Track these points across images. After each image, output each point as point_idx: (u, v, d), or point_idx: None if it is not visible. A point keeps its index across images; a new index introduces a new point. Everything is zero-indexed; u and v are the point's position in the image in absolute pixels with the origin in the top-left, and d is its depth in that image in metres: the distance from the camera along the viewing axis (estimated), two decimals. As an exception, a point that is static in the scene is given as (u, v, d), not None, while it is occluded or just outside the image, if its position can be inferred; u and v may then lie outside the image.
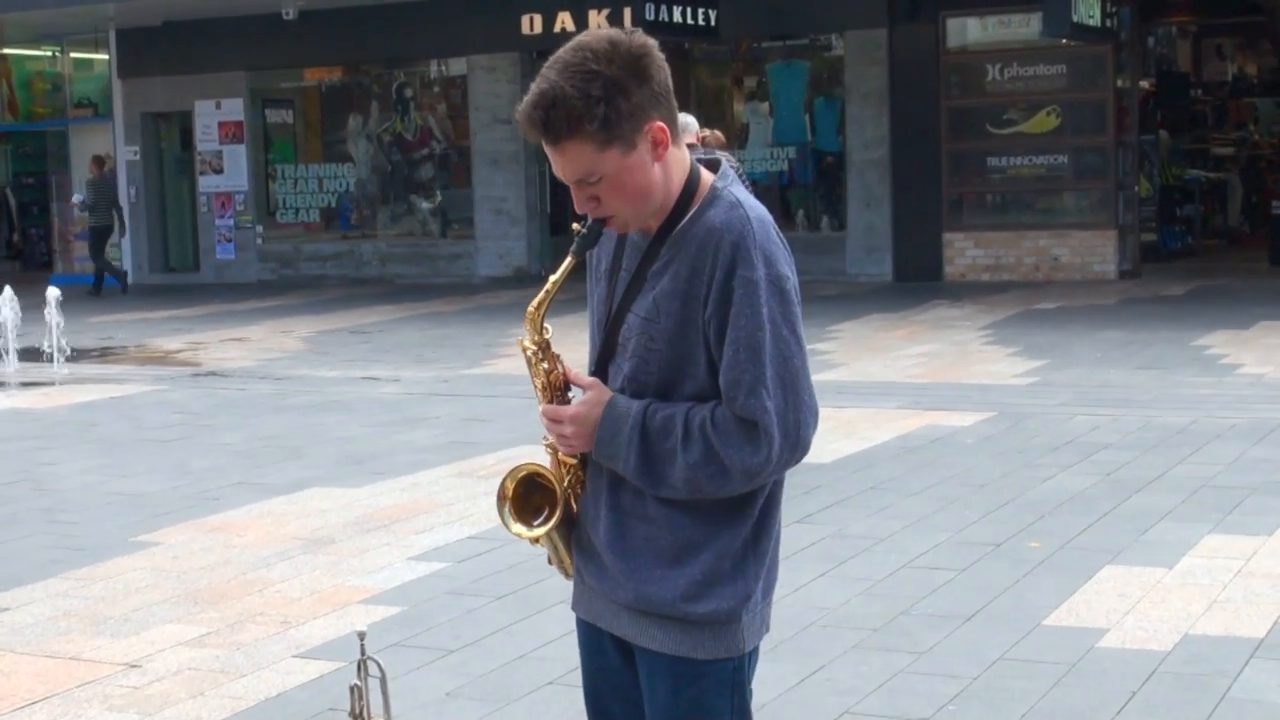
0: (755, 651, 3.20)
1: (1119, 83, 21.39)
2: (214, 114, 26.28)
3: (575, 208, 3.06)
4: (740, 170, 9.42)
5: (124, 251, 27.08)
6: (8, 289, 15.75)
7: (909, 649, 6.15)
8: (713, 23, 21.34)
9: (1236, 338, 14.69)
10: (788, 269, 3.05)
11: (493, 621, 6.69)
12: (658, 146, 3.01)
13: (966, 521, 8.17)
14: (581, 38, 2.98)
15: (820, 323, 16.65)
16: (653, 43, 3.00)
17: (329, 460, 10.44)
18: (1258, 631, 6.24)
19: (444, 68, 25.71)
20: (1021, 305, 18.33)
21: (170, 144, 27.37)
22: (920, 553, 7.59)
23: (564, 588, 3.38)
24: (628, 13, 19.16)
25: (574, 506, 3.23)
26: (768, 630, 3.23)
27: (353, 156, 26.32)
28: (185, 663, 6.26)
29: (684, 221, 3.06)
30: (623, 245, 3.17)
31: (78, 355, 16.17)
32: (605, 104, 2.92)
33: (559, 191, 23.91)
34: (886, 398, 12.11)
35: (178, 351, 17.02)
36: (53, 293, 15.39)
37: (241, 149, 26.26)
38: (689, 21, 20.88)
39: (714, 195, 3.08)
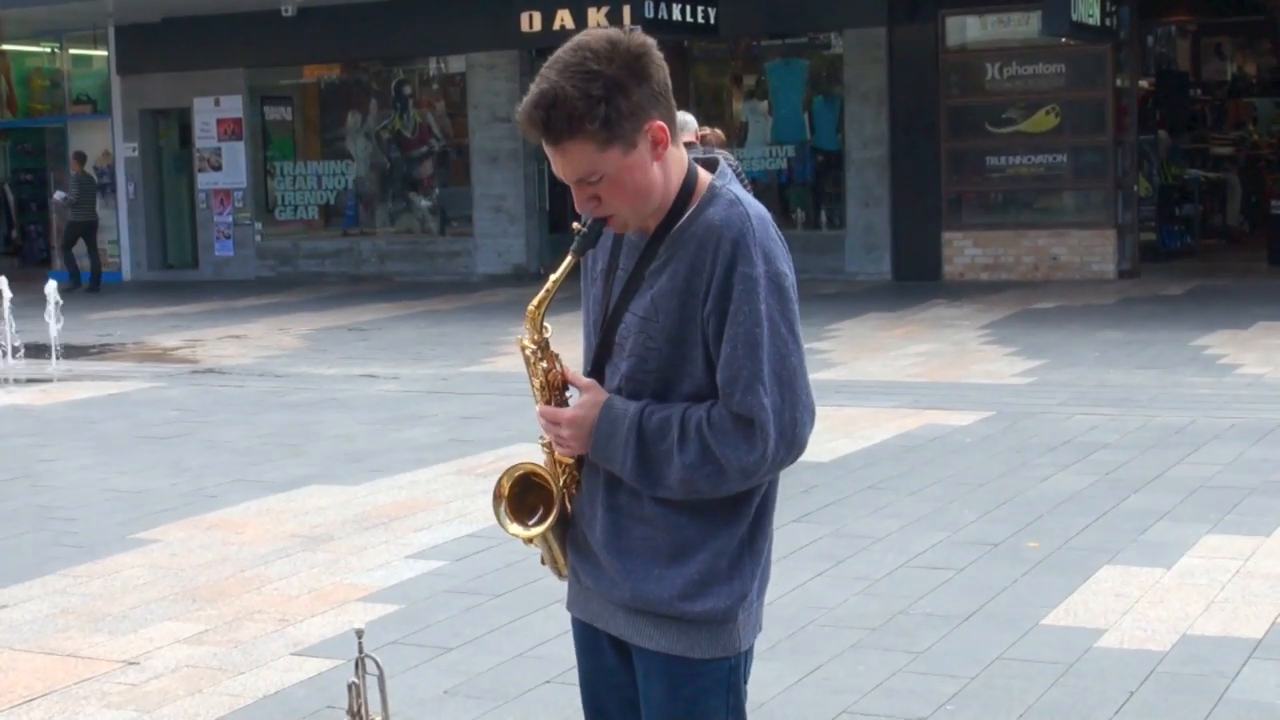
0: (750, 651, 3.20)
1: (1118, 82, 21.39)
2: (213, 111, 26.28)
3: (575, 207, 3.06)
4: (740, 169, 9.43)
5: (122, 248, 27.09)
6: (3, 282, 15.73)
7: (907, 648, 6.15)
8: (712, 21, 21.34)
9: (1235, 338, 14.70)
10: (786, 267, 3.05)
11: (491, 620, 6.69)
12: (657, 145, 3.01)
13: (965, 521, 8.18)
14: (580, 37, 2.98)
15: (819, 322, 16.65)
16: (651, 42, 3.00)
17: (327, 458, 10.44)
18: (1256, 632, 6.24)
19: (443, 65, 25.71)
20: (1020, 304, 18.33)
21: (169, 141, 27.36)
22: (918, 552, 7.59)
23: (562, 587, 3.38)
24: (627, 10, 19.16)
25: (569, 506, 3.23)
26: (760, 630, 3.24)
27: (351, 154, 26.32)
28: (183, 660, 6.26)
29: (682, 220, 3.06)
30: (619, 245, 3.17)
31: (75, 352, 16.17)
32: (606, 104, 2.92)
33: (558, 189, 23.91)
34: (885, 397, 12.11)
35: (176, 348, 17.01)
36: (51, 288, 15.39)
37: (240, 146, 26.25)
38: (688, 19, 20.87)
39: (713, 193, 3.08)
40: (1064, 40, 20.26)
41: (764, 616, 3.26)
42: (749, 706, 3.27)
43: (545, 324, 3.18)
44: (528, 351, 3.18)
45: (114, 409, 12.87)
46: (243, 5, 24.58)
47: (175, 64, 26.02)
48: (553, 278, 3.13)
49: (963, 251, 21.82)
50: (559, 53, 2.97)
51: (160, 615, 6.91)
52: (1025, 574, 7.16)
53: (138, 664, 6.24)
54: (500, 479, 3.19)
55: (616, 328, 3.12)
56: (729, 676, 3.14)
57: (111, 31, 26.70)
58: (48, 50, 28.72)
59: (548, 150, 3.00)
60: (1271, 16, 26.84)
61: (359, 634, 3.79)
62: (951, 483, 9.09)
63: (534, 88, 2.95)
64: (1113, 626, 6.35)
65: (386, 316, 19.62)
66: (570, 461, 3.20)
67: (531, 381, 3.19)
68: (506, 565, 7.43)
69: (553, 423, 3.14)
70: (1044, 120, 21.57)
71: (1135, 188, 21.96)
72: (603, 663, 3.27)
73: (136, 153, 26.94)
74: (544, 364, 3.17)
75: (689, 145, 8.82)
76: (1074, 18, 18.79)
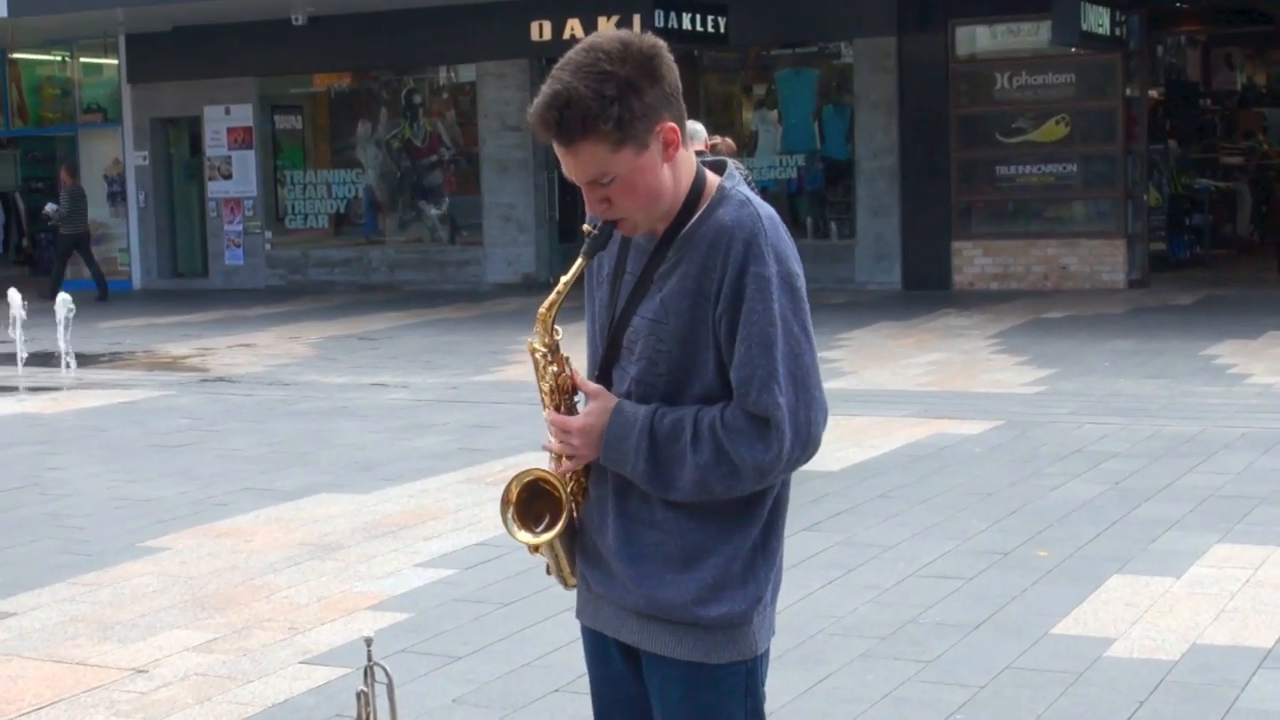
0: (766, 654, 3.19)
1: (1128, 92, 21.37)
2: (223, 119, 26.30)
3: (586, 209, 3.06)
4: (749, 178, 9.42)
5: (132, 256, 27.11)
6: (14, 292, 15.76)
7: (916, 657, 6.15)
8: (722, 30, 21.35)
9: (1245, 347, 14.68)
10: (797, 267, 3.06)
11: (500, 628, 6.68)
12: (669, 147, 3.01)
13: (974, 530, 8.16)
14: (592, 39, 2.98)
15: (829, 331, 16.64)
16: (662, 44, 3.00)
17: (337, 466, 10.44)
18: (1266, 641, 6.22)
19: (453, 74, 25.72)
20: (1030, 314, 18.32)
21: (179, 149, 27.39)
22: (928, 561, 7.58)
23: (571, 595, 3.37)
24: (637, 19, 19.17)
25: (576, 515, 3.22)
26: (774, 633, 3.23)
27: (362, 162, 26.33)
28: (192, 668, 6.26)
29: (691, 223, 3.06)
30: (626, 249, 3.16)
31: (86, 361, 16.18)
32: (619, 104, 2.91)
33: (568, 198, 23.92)
34: (895, 406, 12.10)
35: (186, 357, 17.03)
36: (63, 297, 15.42)
37: (250, 154, 26.27)
38: (698, 28, 20.90)
39: (722, 195, 3.08)
40: (1074, 50, 20.25)
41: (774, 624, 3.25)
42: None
43: (556, 327, 3.17)
44: (538, 355, 3.17)
45: (124, 417, 12.88)
46: (253, 14, 24.61)
47: (186, 73, 26.05)
48: (563, 280, 3.13)
49: (972, 261, 21.80)
50: (570, 54, 2.96)
51: (169, 623, 6.91)
52: (1035, 583, 7.15)
53: (146, 672, 6.24)
54: (509, 484, 3.18)
55: (624, 332, 3.12)
56: (747, 680, 3.14)
57: (122, 40, 26.73)
58: (58, 59, 28.76)
59: (559, 152, 2.99)
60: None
61: (368, 642, 3.78)
62: (961, 492, 9.08)
63: (546, 88, 2.94)
64: (1122, 636, 6.34)
65: (396, 325, 19.63)
66: (578, 468, 3.19)
67: (540, 385, 3.18)
68: (516, 574, 7.43)
69: (564, 431, 3.13)
70: (1054, 130, 21.55)
71: (1145, 197, 21.94)
72: (612, 671, 3.26)
73: (147, 161, 26.97)
74: (554, 368, 3.16)
75: (698, 154, 8.81)
76: (1084, 27, 18.78)
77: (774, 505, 3.13)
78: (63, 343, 15.40)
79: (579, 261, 3.13)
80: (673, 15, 20.20)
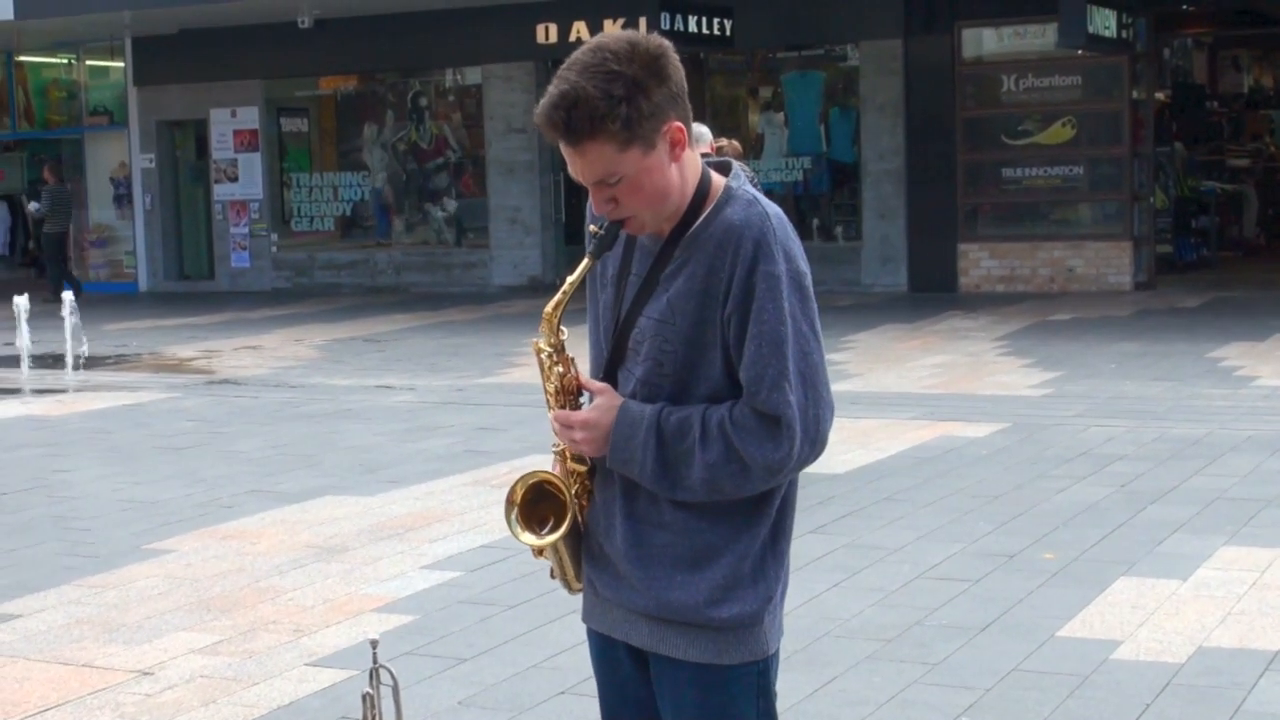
0: (777, 654, 3.18)
1: (1135, 94, 21.36)
2: (229, 122, 26.32)
3: (593, 209, 3.05)
4: (755, 179, 9.41)
5: (139, 259, 27.13)
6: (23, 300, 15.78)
7: (922, 660, 6.14)
8: (728, 32, 21.35)
9: (1252, 350, 14.66)
10: (805, 265, 3.06)
11: (505, 630, 6.68)
12: (675, 147, 3.01)
13: (980, 532, 8.15)
14: (599, 39, 2.97)
15: (835, 333, 16.62)
16: (669, 44, 2.99)
17: (342, 468, 10.44)
18: (1272, 644, 6.21)
19: (459, 77, 25.74)
20: (1036, 316, 18.30)
21: (185, 152, 27.41)
22: (934, 564, 7.57)
23: (577, 597, 3.36)
24: (643, 22, 19.15)
25: (581, 518, 3.21)
26: (782, 633, 3.22)
27: (368, 165, 26.35)
28: (198, 670, 6.26)
29: (698, 223, 3.05)
30: (631, 250, 3.15)
31: (91, 363, 16.20)
32: (627, 103, 2.91)
33: (574, 201, 23.92)
34: (901, 408, 12.09)
35: (192, 359, 17.03)
36: (67, 298, 15.43)
37: (257, 157, 26.29)
38: (704, 31, 20.89)
39: (729, 194, 3.07)
40: (1080, 52, 20.25)
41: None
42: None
43: (561, 327, 3.16)
44: (543, 355, 3.16)
45: (130, 419, 12.88)
46: (259, 17, 24.63)
47: (192, 75, 26.08)
48: (569, 280, 3.11)
49: (979, 263, 21.79)
50: (577, 54, 2.96)
51: (175, 625, 6.91)
52: (1041, 585, 7.14)
53: (152, 674, 6.24)
54: (513, 485, 3.16)
55: (630, 332, 3.11)
56: (759, 680, 3.13)
57: (128, 43, 26.76)
58: (65, 61, 28.79)
59: (566, 152, 2.99)
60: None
61: (374, 644, 3.77)
62: (967, 494, 9.07)
63: (553, 88, 2.94)
64: (1129, 638, 6.33)
65: (402, 328, 19.64)
66: (583, 470, 3.18)
67: (545, 386, 3.17)
68: (521, 576, 7.42)
69: (565, 426, 3.11)
70: (1060, 132, 21.54)
71: (1152, 200, 21.93)
72: (620, 674, 3.25)
73: (153, 164, 26.99)
74: (559, 368, 3.15)
75: (704, 157, 8.80)
76: (1090, 30, 18.78)
77: (782, 504, 3.13)
78: (70, 341, 15.40)
79: (585, 261, 3.12)
80: (678, 18, 20.19)
